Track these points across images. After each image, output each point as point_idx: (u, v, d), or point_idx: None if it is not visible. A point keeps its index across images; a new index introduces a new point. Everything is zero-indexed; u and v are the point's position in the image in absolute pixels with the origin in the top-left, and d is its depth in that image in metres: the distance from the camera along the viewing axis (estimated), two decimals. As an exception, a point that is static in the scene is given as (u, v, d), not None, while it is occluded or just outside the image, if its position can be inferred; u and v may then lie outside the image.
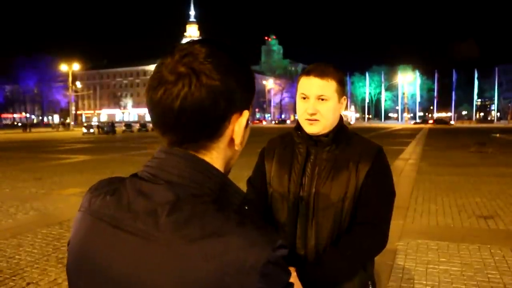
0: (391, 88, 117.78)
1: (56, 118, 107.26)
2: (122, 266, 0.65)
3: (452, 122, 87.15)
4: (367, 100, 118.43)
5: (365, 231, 1.50)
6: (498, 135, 34.62)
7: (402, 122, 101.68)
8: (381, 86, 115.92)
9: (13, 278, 4.32)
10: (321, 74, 1.52)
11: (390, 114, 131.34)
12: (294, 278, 1.38)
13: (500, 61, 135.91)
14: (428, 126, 69.65)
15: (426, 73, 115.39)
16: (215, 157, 0.72)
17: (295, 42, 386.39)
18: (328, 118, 1.53)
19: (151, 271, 0.62)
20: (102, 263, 0.67)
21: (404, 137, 32.77)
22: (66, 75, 66.81)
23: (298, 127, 1.62)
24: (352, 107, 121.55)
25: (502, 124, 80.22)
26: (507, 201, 7.89)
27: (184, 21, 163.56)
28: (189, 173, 0.68)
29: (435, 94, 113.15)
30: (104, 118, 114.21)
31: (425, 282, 4.19)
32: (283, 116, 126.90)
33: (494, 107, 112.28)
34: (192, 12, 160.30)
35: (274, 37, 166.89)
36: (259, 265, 0.59)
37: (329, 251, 1.50)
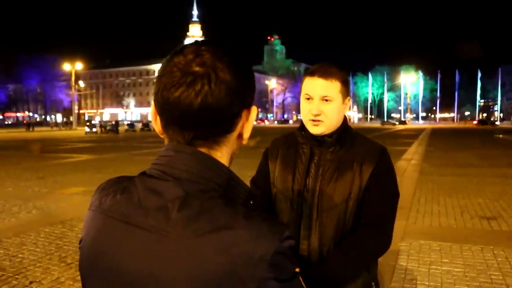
0: (393, 88, 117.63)
1: (59, 117, 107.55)
2: (134, 261, 0.67)
3: (497, 122, 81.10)
4: (369, 101, 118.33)
5: (369, 232, 1.49)
6: (501, 135, 34.50)
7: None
8: (383, 86, 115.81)
9: (16, 276, 4.34)
10: (325, 75, 1.52)
11: (393, 115, 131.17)
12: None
13: (504, 62, 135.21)
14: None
15: (429, 74, 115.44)
16: (224, 151, 0.75)
17: (298, 42, 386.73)
18: (332, 119, 1.53)
19: (163, 265, 0.64)
20: (115, 259, 0.69)
21: (406, 137, 32.72)
22: (69, 74, 66.93)
23: (302, 127, 1.61)
24: (355, 107, 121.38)
25: (506, 124, 79.88)
26: (510, 202, 7.87)
27: (187, 21, 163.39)
28: (197, 169, 0.70)
29: (438, 94, 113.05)
30: (106, 117, 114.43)
31: (427, 283, 4.18)
32: (285, 116, 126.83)
33: (497, 107, 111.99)
34: (195, 12, 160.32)
35: (277, 37, 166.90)
36: (268, 256, 0.62)
37: (333, 252, 1.49)
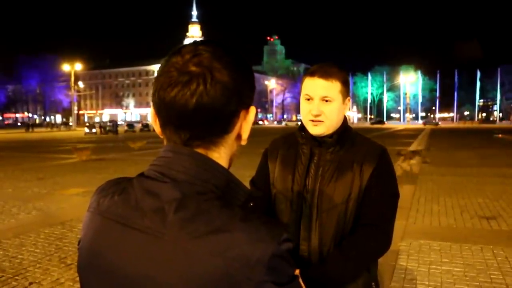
0: (393, 88, 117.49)
1: (58, 118, 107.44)
2: (131, 263, 0.67)
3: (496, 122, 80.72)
4: (369, 101, 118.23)
5: (369, 233, 1.49)
6: (500, 135, 34.48)
7: (404, 122, 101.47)
8: (383, 86, 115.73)
9: (16, 277, 4.33)
10: (325, 75, 1.51)
11: (392, 115, 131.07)
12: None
13: (503, 62, 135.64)
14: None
15: (428, 74, 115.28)
16: (223, 152, 0.74)
17: (297, 42, 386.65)
18: (332, 119, 1.53)
19: (159, 267, 0.64)
20: (112, 261, 0.69)
21: (406, 137, 32.72)
22: (69, 75, 66.86)
23: (302, 127, 1.61)
24: (354, 108, 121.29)
25: (505, 124, 79.89)
26: (510, 201, 7.87)
27: (186, 21, 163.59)
28: (195, 171, 0.70)
29: (437, 94, 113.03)
30: (106, 118, 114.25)
31: (427, 283, 4.18)
32: (285, 116, 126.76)
33: (496, 107, 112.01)
34: (194, 12, 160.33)
35: (276, 37, 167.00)
36: (265, 259, 0.61)
37: (333, 252, 1.49)
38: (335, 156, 1.55)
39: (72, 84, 66.84)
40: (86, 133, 44.27)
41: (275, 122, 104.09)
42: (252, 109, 0.75)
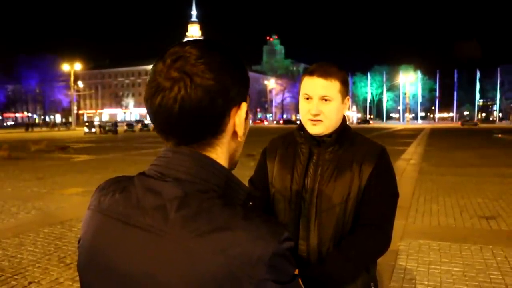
0: (392, 88, 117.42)
1: (58, 118, 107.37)
2: (132, 261, 0.67)
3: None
4: (368, 100, 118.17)
5: (368, 232, 1.49)
6: (499, 135, 34.50)
7: (404, 122, 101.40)
8: (382, 86, 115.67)
9: (15, 277, 4.33)
10: (324, 75, 1.50)
11: (392, 115, 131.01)
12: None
13: (503, 61, 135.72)
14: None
15: (428, 73, 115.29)
16: (220, 152, 0.74)
17: (297, 42, 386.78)
18: (331, 119, 1.52)
19: (160, 265, 0.64)
20: (113, 259, 0.69)
21: (406, 137, 32.72)
22: (68, 74, 66.75)
23: (300, 127, 1.61)
24: (354, 107, 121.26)
25: (504, 124, 79.72)
26: (509, 201, 7.87)
27: (186, 21, 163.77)
28: (195, 170, 0.70)
29: (437, 94, 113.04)
30: (105, 117, 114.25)
31: (426, 283, 4.18)
32: (284, 116, 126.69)
33: (496, 107, 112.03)
34: (194, 12, 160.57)
35: (276, 37, 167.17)
36: (266, 258, 0.61)
37: (332, 252, 1.49)
38: (334, 155, 1.55)
39: (72, 84, 66.76)
40: (85, 133, 44.20)
41: (275, 122, 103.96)
42: (243, 105, 0.74)
